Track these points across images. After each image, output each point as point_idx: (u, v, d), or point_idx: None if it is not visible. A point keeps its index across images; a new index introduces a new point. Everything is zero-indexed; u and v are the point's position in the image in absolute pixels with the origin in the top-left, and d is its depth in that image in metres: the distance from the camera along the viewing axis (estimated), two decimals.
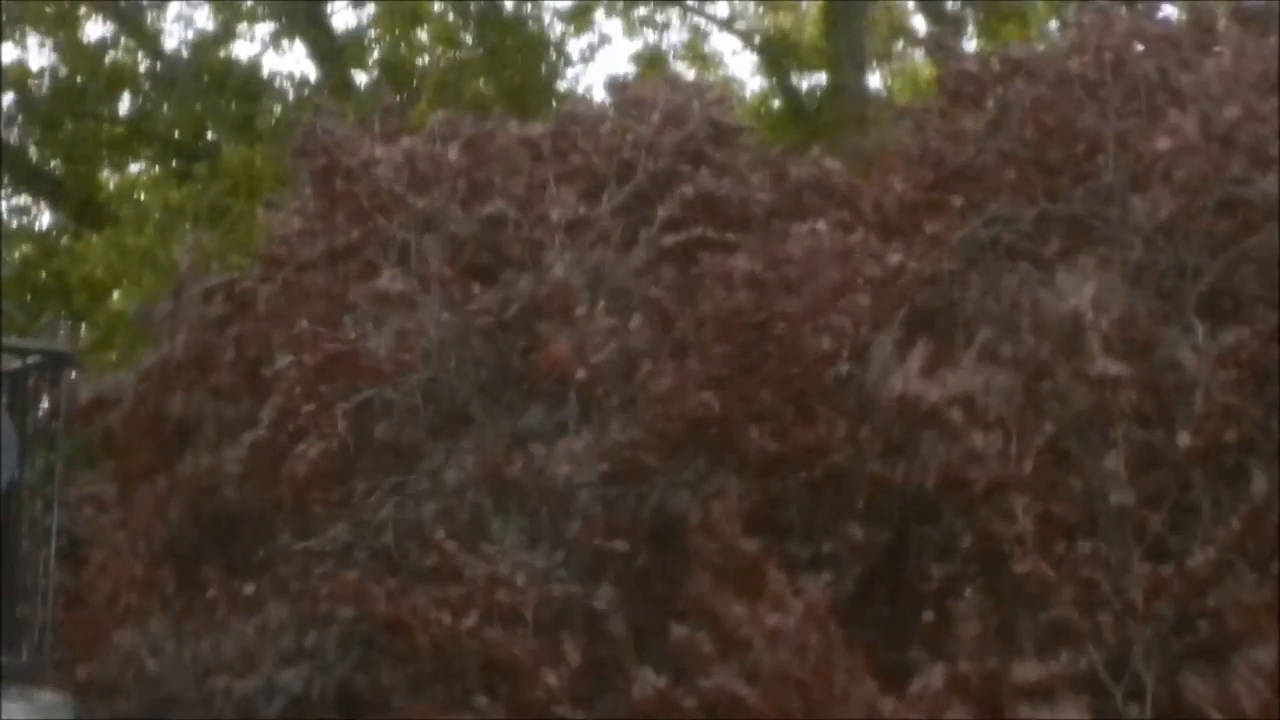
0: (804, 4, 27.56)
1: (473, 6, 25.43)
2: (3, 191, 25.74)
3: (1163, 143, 10.81)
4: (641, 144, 13.29)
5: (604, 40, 26.42)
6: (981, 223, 11.17)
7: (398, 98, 17.51)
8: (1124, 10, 11.86)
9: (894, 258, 11.17)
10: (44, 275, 24.36)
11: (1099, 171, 11.08)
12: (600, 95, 14.79)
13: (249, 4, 26.25)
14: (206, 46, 26.10)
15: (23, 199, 26.33)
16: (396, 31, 25.33)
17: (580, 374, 11.94)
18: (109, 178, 26.48)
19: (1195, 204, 10.69)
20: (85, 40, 26.02)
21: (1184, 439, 10.18)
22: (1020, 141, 11.32)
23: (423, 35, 25.25)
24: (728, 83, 25.60)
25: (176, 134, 25.41)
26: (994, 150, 11.37)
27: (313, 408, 12.51)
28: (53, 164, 25.85)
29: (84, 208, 25.08)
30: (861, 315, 11.22)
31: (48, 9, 25.24)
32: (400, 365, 12.53)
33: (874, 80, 27.89)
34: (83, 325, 23.15)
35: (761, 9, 28.75)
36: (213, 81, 25.43)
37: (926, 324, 11.23)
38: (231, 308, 14.15)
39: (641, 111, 13.55)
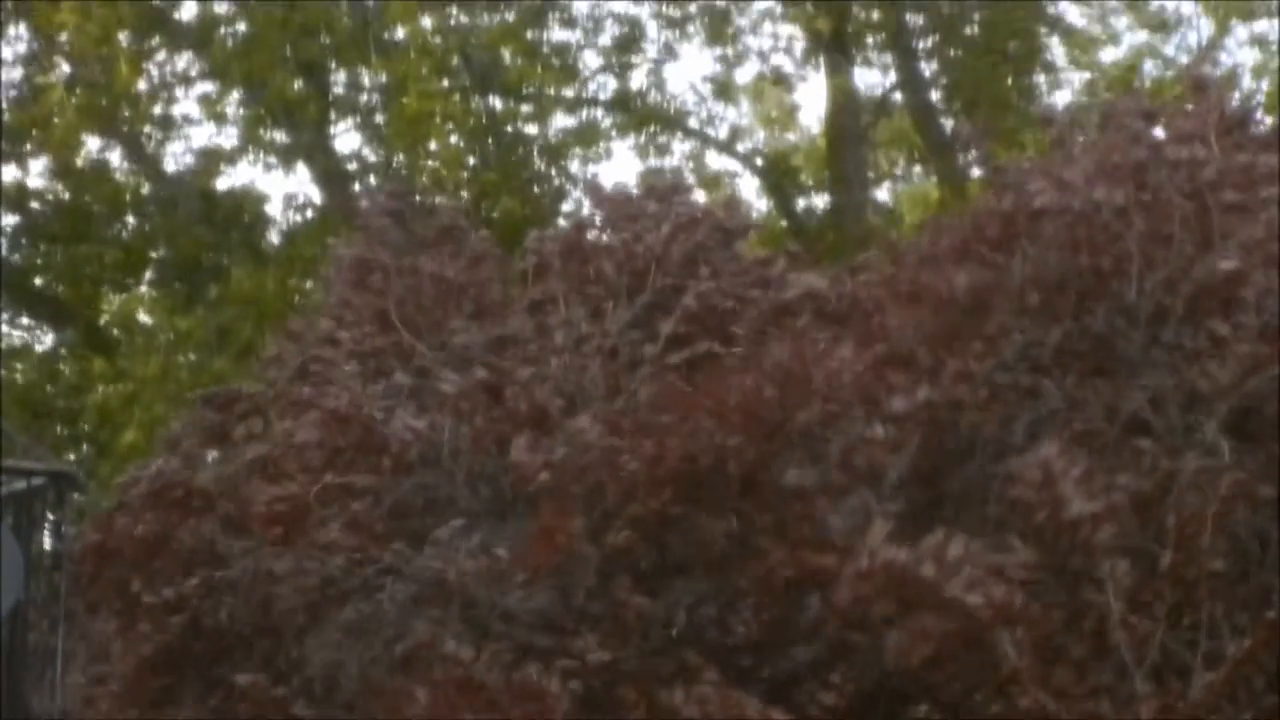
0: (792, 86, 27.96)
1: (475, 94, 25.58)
2: (2, 313, 25.72)
3: (1227, 264, 10.84)
4: (652, 256, 13.40)
5: (607, 152, 26.49)
6: (999, 363, 11.18)
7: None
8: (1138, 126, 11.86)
9: (921, 393, 11.14)
10: (49, 398, 24.28)
11: (1123, 292, 11.11)
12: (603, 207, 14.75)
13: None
14: (207, 170, 26.19)
15: (25, 321, 26.31)
16: (403, 155, 25.40)
17: (544, 476, 11.93)
18: (111, 300, 26.47)
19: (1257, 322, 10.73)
20: (86, 162, 26.07)
21: (1165, 560, 10.17)
22: (1045, 270, 11.36)
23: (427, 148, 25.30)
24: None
25: (179, 257, 25.44)
26: (1018, 280, 11.39)
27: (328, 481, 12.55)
28: (57, 287, 25.83)
29: (88, 330, 25.04)
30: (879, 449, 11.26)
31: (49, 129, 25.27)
32: (401, 463, 12.60)
33: (882, 194, 28.20)
34: (85, 446, 23.11)
35: (763, 132, 29.02)
36: (212, 205, 25.50)
37: (934, 458, 11.29)
38: (233, 418, 14.16)
39: (648, 220, 13.66)
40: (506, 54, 25.48)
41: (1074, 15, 27.05)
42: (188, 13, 25.71)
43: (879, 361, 11.53)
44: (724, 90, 27.14)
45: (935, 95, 26.21)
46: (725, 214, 14.03)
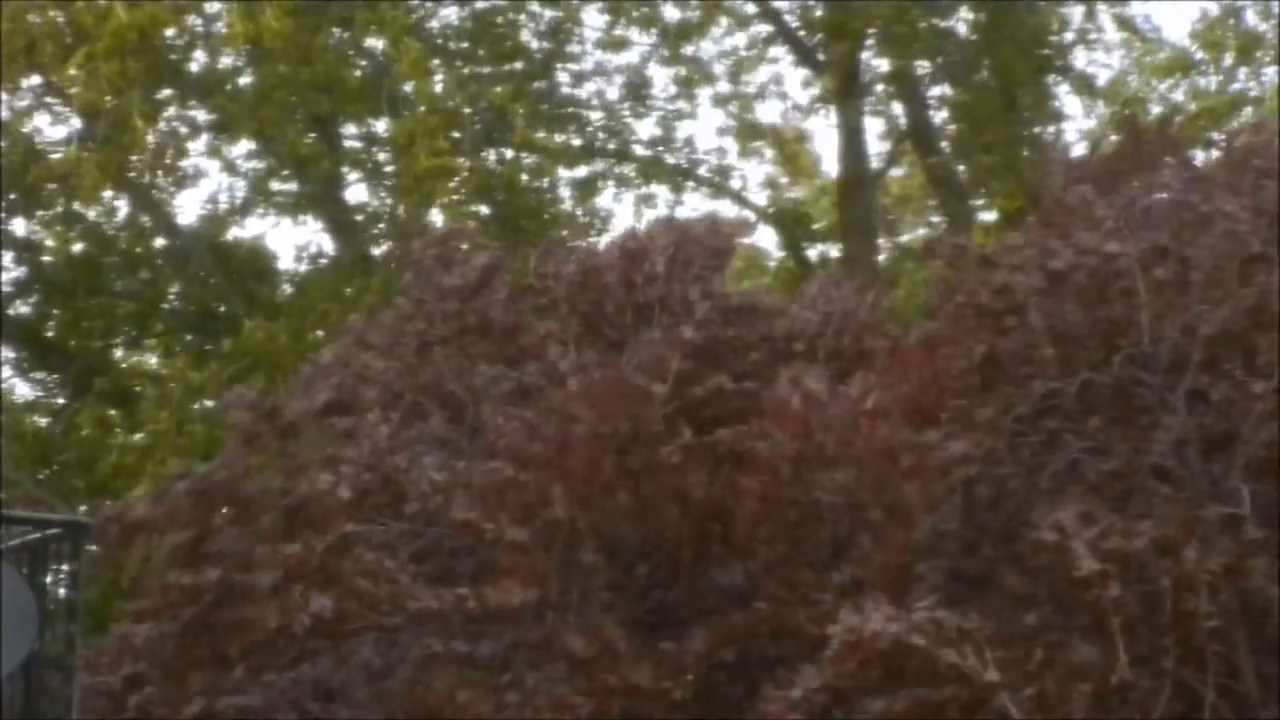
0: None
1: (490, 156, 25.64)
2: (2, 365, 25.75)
3: None
4: (656, 296, 13.44)
5: (611, 214, 26.63)
6: (1021, 410, 11.15)
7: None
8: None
9: (955, 447, 11.07)
10: (62, 449, 24.22)
11: (1138, 341, 11.10)
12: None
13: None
14: (219, 221, 26.21)
15: (37, 375, 26.27)
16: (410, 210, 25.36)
17: (489, 528, 12.01)
18: (125, 354, 26.44)
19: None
20: (99, 216, 26.10)
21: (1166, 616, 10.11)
22: (1061, 324, 11.35)
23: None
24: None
25: (191, 309, 25.46)
26: (1036, 334, 11.38)
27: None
28: (69, 339, 25.81)
29: (102, 382, 24.97)
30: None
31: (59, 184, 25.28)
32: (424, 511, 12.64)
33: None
34: (99, 497, 22.98)
35: (777, 183, 29.09)
36: (225, 258, 25.52)
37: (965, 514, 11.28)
38: (269, 427, 14.27)
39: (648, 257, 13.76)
40: (517, 114, 25.48)
41: (1082, 61, 27.19)
42: (197, 63, 25.81)
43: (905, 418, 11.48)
44: (751, 133, 27.25)
45: (945, 143, 26.28)
46: (711, 232, 14.11)
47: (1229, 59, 27.26)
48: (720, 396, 13.00)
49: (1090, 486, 10.91)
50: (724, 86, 27.33)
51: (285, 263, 26.48)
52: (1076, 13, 27.01)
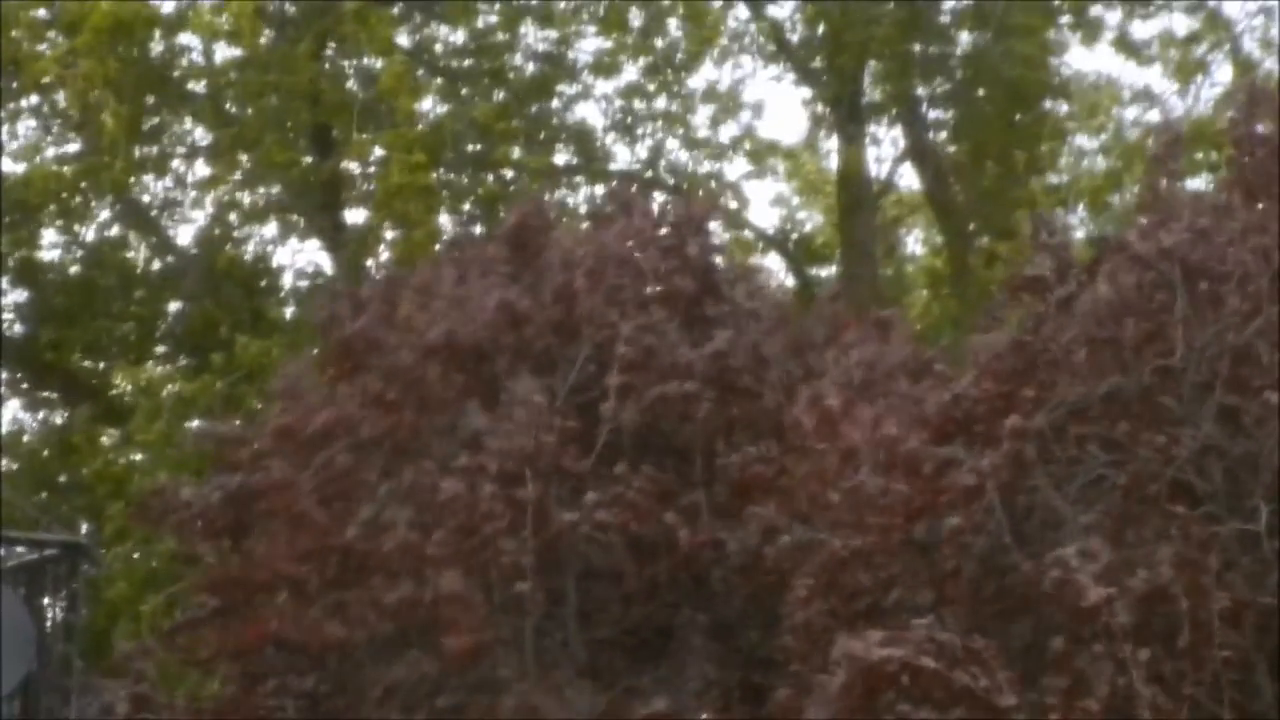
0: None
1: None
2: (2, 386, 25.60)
3: None
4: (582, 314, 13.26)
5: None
6: (1048, 410, 11.01)
7: None
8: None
9: (984, 462, 10.95)
10: (61, 470, 24.11)
11: (1169, 350, 11.00)
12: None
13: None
14: (215, 241, 26.06)
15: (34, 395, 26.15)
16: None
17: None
18: (123, 374, 26.32)
19: None
20: (96, 236, 25.97)
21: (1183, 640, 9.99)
22: (1094, 324, 11.23)
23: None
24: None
25: (189, 329, 25.34)
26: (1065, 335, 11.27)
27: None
28: (68, 360, 25.68)
29: (98, 401, 24.86)
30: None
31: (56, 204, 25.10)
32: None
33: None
34: (94, 518, 22.88)
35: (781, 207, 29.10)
36: (221, 275, 25.39)
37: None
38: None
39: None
40: (502, 132, 25.31)
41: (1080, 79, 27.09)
42: (183, 71, 25.56)
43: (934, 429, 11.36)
44: (756, 156, 27.20)
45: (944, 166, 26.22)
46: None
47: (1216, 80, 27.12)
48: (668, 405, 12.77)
49: (1109, 504, 10.79)
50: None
51: (285, 280, 26.38)
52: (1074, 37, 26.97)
